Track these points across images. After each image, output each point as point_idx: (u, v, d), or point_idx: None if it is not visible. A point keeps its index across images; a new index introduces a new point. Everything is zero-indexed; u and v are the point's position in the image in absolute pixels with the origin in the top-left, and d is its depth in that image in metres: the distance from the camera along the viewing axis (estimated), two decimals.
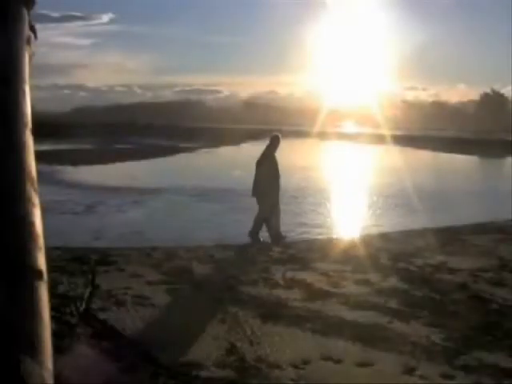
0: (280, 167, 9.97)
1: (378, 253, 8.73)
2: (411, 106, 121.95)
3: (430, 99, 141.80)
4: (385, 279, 7.14)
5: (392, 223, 12.54)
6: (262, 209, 9.76)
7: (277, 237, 9.73)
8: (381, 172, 24.79)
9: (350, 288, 6.77)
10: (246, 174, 11.61)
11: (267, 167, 9.70)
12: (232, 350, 4.81)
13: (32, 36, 1.28)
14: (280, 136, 10.07)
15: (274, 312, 5.79)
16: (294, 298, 6.34)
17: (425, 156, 42.32)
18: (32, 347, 0.83)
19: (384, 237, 10.44)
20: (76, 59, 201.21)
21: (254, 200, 9.93)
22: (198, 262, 7.87)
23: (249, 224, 9.91)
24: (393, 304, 6.17)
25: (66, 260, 7.67)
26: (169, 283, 6.76)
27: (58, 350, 4.38)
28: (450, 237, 10.29)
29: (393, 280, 7.14)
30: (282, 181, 10.08)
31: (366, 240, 9.95)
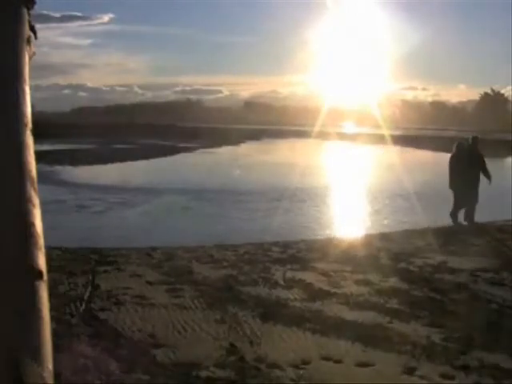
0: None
1: (378, 253, 8.73)
2: (411, 106, 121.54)
3: (430, 99, 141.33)
4: (385, 279, 7.14)
5: (392, 223, 12.54)
6: (471, 196, 11.33)
7: (472, 220, 11.37)
8: (381, 172, 24.78)
9: (350, 288, 6.76)
10: (245, 174, 11.58)
11: (473, 162, 11.28)
12: (232, 350, 4.80)
13: (32, 36, 1.28)
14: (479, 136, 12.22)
15: (274, 312, 5.78)
16: (294, 297, 6.34)
17: (425, 156, 42.26)
18: (32, 347, 0.83)
19: (384, 237, 10.43)
20: (76, 59, 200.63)
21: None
22: (198, 262, 7.87)
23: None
24: (393, 304, 6.16)
25: (65, 260, 7.68)
26: (169, 283, 6.75)
27: (58, 349, 4.38)
28: (450, 237, 10.28)
29: (393, 280, 7.13)
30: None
31: (366, 240, 9.95)
